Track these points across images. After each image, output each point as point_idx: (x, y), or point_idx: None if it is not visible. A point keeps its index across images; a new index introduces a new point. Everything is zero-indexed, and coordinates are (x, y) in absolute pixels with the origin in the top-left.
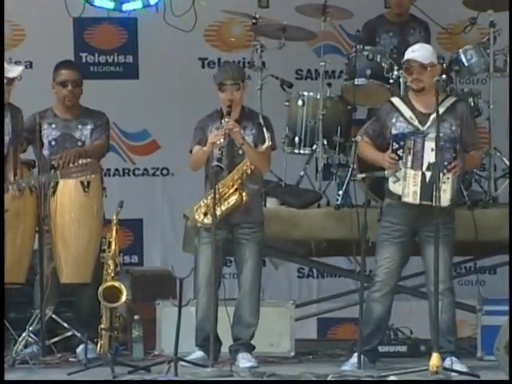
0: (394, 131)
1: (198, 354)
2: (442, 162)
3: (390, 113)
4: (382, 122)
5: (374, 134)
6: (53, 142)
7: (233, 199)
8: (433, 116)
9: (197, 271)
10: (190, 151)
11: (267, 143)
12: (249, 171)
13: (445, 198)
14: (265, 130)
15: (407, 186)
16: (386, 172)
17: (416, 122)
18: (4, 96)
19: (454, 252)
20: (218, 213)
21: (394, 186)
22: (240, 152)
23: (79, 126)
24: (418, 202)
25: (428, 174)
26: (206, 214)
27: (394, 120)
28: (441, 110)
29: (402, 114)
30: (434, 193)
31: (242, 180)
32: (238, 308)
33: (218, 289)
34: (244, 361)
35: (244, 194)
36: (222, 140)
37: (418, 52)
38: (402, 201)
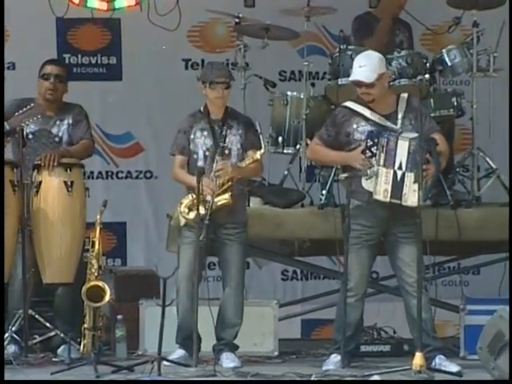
0: (357, 135)
1: (180, 352)
2: (416, 163)
3: (349, 118)
4: (338, 128)
5: (329, 139)
6: (30, 136)
7: (221, 199)
8: (400, 115)
9: (179, 272)
10: (173, 154)
11: (263, 150)
12: (246, 174)
13: (414, 198)
14: (261, 136)
15: (379, 184)
16: (368, 171)
17: (388, 123)
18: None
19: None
20: (203, 210)
21: (367, 183)
22: (226, 152)
23: (57, 122)
24: (388, 199)
25: (399, 173)
26: (190, 209)
27: (355, 125)
28: (401, 110)
29: (365, 118)
30: (404, 191)
31: (233, 182)
32: (222, 308)
33: (198, 288)
34: (228, 361)
35: (228, 195)
36: (208, 198)
37: (364, 70)
38: (372, 199)
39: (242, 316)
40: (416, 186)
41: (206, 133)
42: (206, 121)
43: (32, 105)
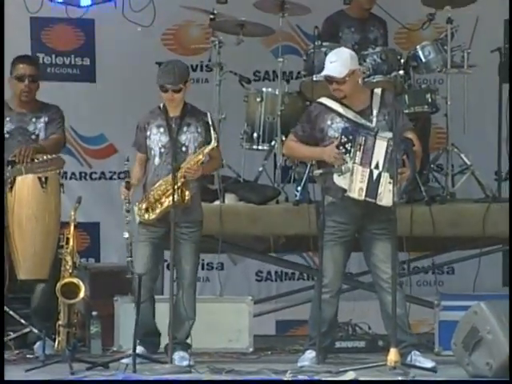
0: (331, 132)
1: (139, 349)
2: (393, 163)
3: (323, 115)
4: (313, 124)
5: (304, 134)
6: (6, 135)
7: (175, 197)
8: (375, 111)
9: (134, 268)
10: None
11: (213, 144)
12: (193, 171)
13: (389, 198)
14: (212, 129)
15: (354, 182)
16: (343, 168)
17: (363, 120)
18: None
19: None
20: (158, 210)
21: (339, 180)
22: (183, 149)
23: (33, 120)
24: (362, 198)
25: (375, 172)
26: (147, 210)
27: (329, 122)
28: (376, 105)
29: (339, 114)
30: (380, 190)
31: (186, 178)
32: (176, 306)
33: (155, 283)
34: (179, 358)
35: (187, 193)
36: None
37: (335, 66)
38: (346, 195)
39: (194, 314)
40: (391, 186)
41: (162, 129)
42: (162, 117)
43: (53, 156)
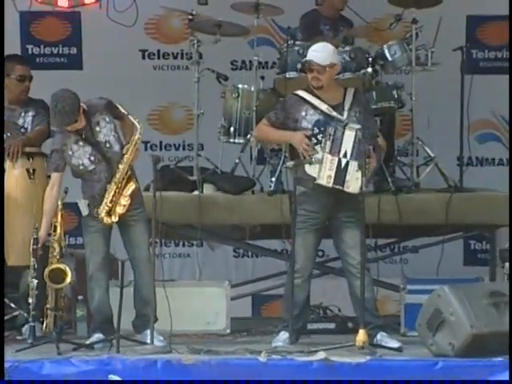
0: (305, 123)
1: (98, 336)
2: (360, 153)
3: (297, 106)
4: (287, 113)
5: (277, 121)
6: None
7: (129, 188)
8: (347, 106)
9: (87, 260)
10: (49, 175)
11: (139, 129)
12: (135, 159)
13: (356, 185)
14: (131, 118)
15: (323, 170)
16: (313, 158)
17: (334, 113)
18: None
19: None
20: (121, 210)
21: (310, 169)
22: (107, 145)
23: (22, 114)
24: (330, 185)
25: (343, 161)
26: (109, 214)
27: (303, 113)
28: (348, 102)
29: (313, 107)
30: (347, 178)
31: (132, 169)
32: (139, 287)
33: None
34: (155, 340)
35: (135, 180)
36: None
37: (318, 53)
38: (316, 184)
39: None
40: (359, 174)
41: (81, 143)
42: (74, 133)
43: None
